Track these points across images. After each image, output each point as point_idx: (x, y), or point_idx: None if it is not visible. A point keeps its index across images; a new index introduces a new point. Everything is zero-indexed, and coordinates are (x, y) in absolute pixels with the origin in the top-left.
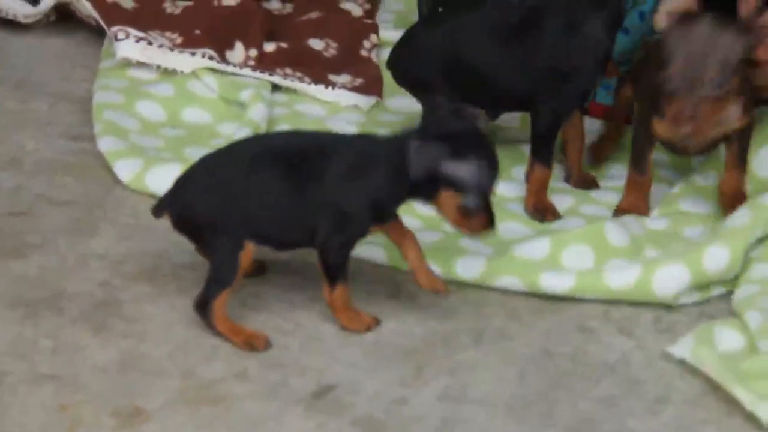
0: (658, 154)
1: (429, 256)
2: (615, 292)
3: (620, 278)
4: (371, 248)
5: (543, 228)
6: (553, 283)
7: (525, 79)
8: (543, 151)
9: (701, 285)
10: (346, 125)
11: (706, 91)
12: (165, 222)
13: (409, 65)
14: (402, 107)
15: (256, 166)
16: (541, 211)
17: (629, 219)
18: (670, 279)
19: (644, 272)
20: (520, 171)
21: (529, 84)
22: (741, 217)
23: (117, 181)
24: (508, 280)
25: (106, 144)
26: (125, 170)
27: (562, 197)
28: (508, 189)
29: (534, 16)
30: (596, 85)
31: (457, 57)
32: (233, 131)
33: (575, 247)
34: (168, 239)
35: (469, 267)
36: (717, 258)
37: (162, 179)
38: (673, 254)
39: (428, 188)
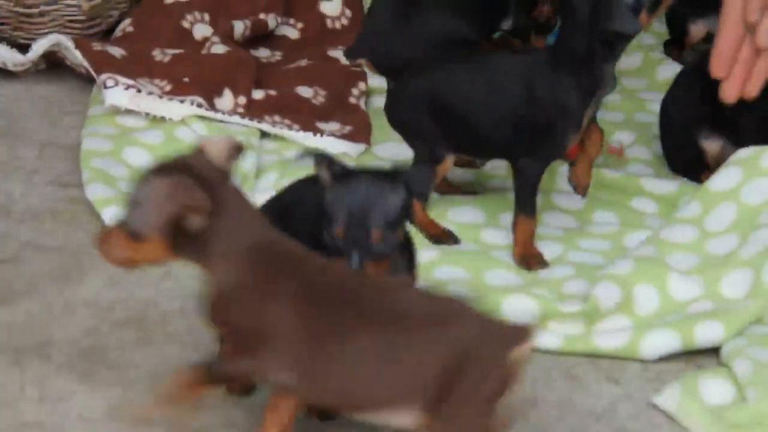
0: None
1: None
2: (602, 351)
3: (608, 341)
4: None
5: (532, 277)
6: (541, 341)
7: (503, 132)
8: (525, 202)
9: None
10: None
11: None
12: (155, 270)
13: (402, 110)
14: (391, 154)
15: None
16: (528, 260)
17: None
18: (658, 344)
19: (633, 337)
20: (507, 218)
21: (507, 137)
22: (745, 301)
23: None
24: None
25: (93, 191)
26: (113, 217)
27: (550, 245)
28: (497, 236)
29: (515, 70)
30: (571, 144)
31: (444, 105)
32: None
33: (564, 319)
34: (156, 286)
35: None
36: (710, 333)
37: None
38: (665, 322)
39: None
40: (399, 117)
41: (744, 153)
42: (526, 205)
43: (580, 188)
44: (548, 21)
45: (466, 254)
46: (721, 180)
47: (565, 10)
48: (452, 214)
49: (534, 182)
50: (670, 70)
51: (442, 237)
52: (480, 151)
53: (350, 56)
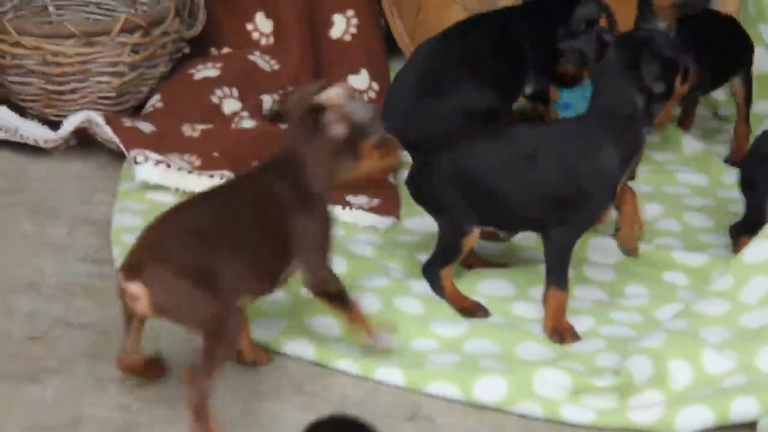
0: None
1: (447, 378)
2: (637, 426)
3: (643, 416)
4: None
5: (563, 350)
6: (573, 416)
7: (535, 203)
8: (557, 274)
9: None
10: (364, 246)
11: None
12: (183, 346)
13: (428, 184)
14: (419, 228)
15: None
16: (560, 333)
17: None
18: (692, 420)
19: (667, 411)
20: (537, 291)
21: (539, 209)
22: None
23: None
24: (528, 407)
25: None
26: None
27: (581, 318)
28: (527, 309)
29: (547, 142)
30: (606, 211)
31: (472, 179)
32: None
33: (597, 393)
34: (187, 363)
35: (488, 389)
36: (745, 408)
37: None
38: (699, 397)
39: None
40: (424, 191)
41: None
42: (557, 278)
43: (632, 251)
44: (572, 76)
45: (496, 327)
46: (756, 252)
47: (601, 73)
48: (482, 287)
49: (566, 254)
50: (694, 144)
51: (473, 310)
52: (509, 224)
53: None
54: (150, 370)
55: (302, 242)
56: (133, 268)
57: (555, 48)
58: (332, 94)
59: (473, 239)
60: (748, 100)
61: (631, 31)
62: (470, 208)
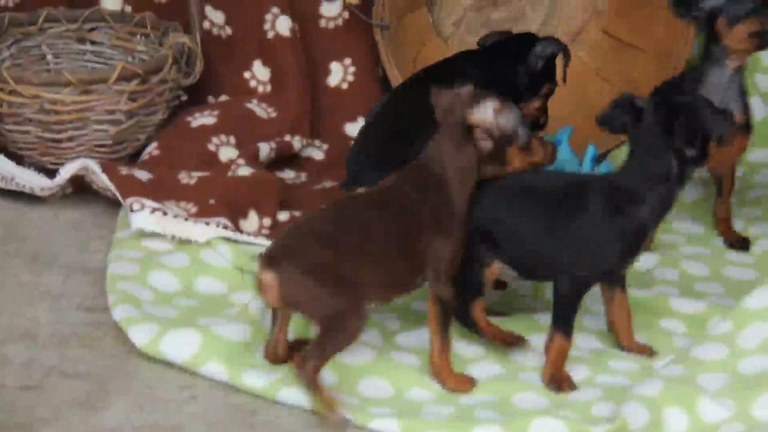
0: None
1: (443, 428)
2: None
3: None
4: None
5: (560, 399)
6: None
7: (555, 246)
8: (565, 320)
9: None
10: None
11: None
12: (179, 393)
13: None
14: None
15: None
16: (558, 381)
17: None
18: None
19: None
20: (534, 340)
21: (558, 252)
22: None
23: (131, 352)
24: None
25: (120, 312)
26: (139, 335)
27: (578, 367)
28: (524, 358)
29: (578, 190)
30: (629, 265)
31: (495, 218)
32: (247, 301)
33: None
34: (181, 410)
35: None
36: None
37: (177, 346)
38: None
39: None
40: None
41: None
42: (565, 324)
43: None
44: (538, 119)
45: (493, 377)
46: (757, 299)
47: (637, 137)
48: (479, 337)
49: (577, 302)
50: (689, 191)
51: (512, 341)
52: (524, 263)
53: (347, 189)
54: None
55: (434, 258)
56: (269, 260)
57: (516, 89)
58: (484, 115)
59: (495, 270)
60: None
61: (670, 93)
62: (488, 244)
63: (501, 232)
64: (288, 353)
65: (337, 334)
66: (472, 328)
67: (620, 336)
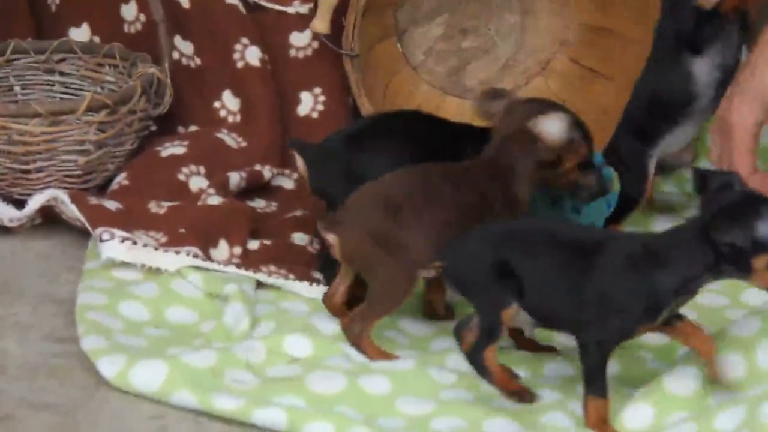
0: None
1: None
2: None
3: None
4: None
5: (531, 425)
6: None
7: (573, 302)
8: (596, 383)
9: None
10: (329, 323)
11: None
12: (149, 423)
13: (462, 267)
14: None
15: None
16: None
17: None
18: None
19: None
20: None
21: (576, 308)
22: None
23: (100, 383)
24: None
25: (89, 343)
26: (108, 367)
27: (550, 392)
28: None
29: (604, 246)
30: (648, 324)
31: (522, 260)
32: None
33: None
34: None
35: None
36: None
37: (145, 376)
38: None
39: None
40: (458, 273)
41: None
42: (598, 387)
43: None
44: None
45: (464, 404)
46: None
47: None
48: (450, 362)
49: (605, 362)
50: (663, 223)
51: (521, 394)
52: (549, 317)
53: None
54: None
55: None
56: (332, 222)
57: None
58: (548, 128)
59: (513, 311)
60: None
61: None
62: (507, 290)
63: (526, 276)
64: (343, 306)
65: (387, 297)
66: (481, 372)
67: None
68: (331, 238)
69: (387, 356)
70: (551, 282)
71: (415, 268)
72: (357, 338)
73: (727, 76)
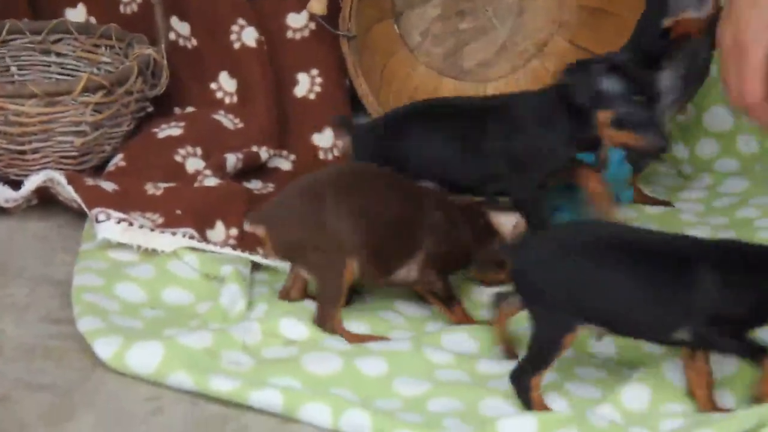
0: None
1: (412, 431)
2: None
3: None
4: None
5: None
6: None
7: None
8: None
9: None
10: None
11: None
12: (146, 405)
13: (530, 272)
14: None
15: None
16: None
17: (609, 407)
18: None
19: None
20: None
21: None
22: (735, 412)
23: (96, 364)
24: None
25: (85, 324)
26: (105, 348)
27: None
28: (491, 367)
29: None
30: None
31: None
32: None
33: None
34: (147, 423)
35: None
36: None
37: (141, 357)
38: None
39: None
40: (528, 280)
41: None
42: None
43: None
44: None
45: (460, 385)
46: None
47: None
48: (446, 343)
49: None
50: None
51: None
52: (623, 325)
53: None
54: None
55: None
56: (260, 217)
57: None
58: (504, 222)
59: (575, 337)
60: None
61: None
62: (578, 302)
63: (593, 293)
64: (301, 297)
65: (328, 285)
66: (527, 404)
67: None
68: (260, 231)
69: (372, 339)
70: (635, 293)
71: (343, 253)
72: (334, 332)
73: (692, 80)
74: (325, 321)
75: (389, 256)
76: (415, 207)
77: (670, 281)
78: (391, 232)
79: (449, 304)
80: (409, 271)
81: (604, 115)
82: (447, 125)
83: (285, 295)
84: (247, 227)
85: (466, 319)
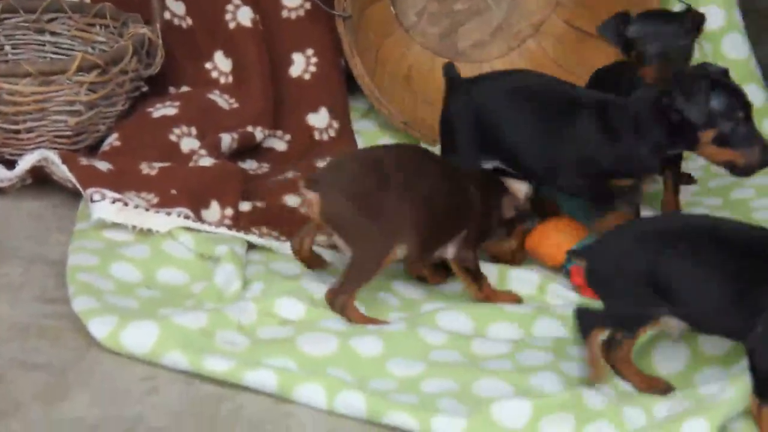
0: None
1: (406, 413)
2: None
3: None
4: None
5: (521, 386)
6: None
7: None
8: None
9: None
10: (321, 283)
11: None
12: (141, 384)
13: (607, 270)
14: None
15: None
16: None
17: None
18: None
19: None
20: (495, 328)
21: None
22: (723, 390)
23: (91, 343)
24: None
25: (80, 303)
26: (100, 328)
27: (538, 353)
28: (486, 347)
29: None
30: None
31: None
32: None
33: (555, 415)
34: (144, 402)
35: (447, 426)
36: (696, 429)
37: (136, 337)
38: (652, 426)
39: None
40: (602, 276)
41: None
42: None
43: None
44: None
45: (455, 366)
46: None
47: None
48: (441, 322)
49: None
50: None
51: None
52: (706, 322)
53: None
54: (314, 262)
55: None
56: (315, 181)
57: None
58: (519, 188)
59: (654, 327)
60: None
61: None
62: (656, 303)
63: (683, 285)
64: (310, 256)
65: (365, 266)
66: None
67: None
68: (312, 196)
69: (375, 322)
70: (714, 287)
71: (394, 238)
72: (342, 309)
73: None
74: (339, 297)
75: (437, 240)
76: (460, 190)
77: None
78: (442, 218)
79: (479, 278)
80: (445, 250)
81: (708, 135)
82: (537, 108)
83: (298, 255)
84: (302, 188)
85: (493, 294)
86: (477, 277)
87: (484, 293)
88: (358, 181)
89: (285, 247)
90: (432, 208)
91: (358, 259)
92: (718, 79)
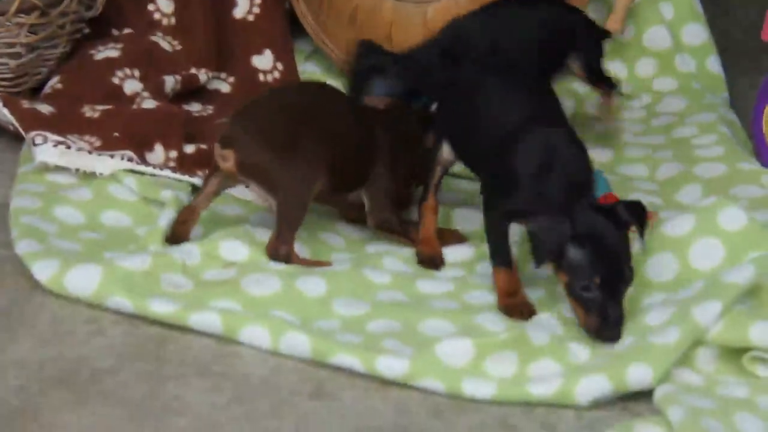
0: None
1: (350, 354)
2: (536, 398)
3: (542, 387)
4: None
5: (466, 326)
6: (475, 389)
7: None
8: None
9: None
10: (265, 227)
11: None
12: (85, 326)
13: None
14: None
15: None
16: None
17: (548, 316)
18: (591, 389)
19: (566, 382)
20: (448, 270)
21: None
22: (670, 332)
23: (35, 286)
24: (431, 383)
25: (23, 247)
26: (43, 271)
27: (489, 294)
28: (431, 286)
29: None
30: None
31: None
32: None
33: (499, 353)
34: (88, 344)
35: (391, 366)
36: (640, 375)
37: (80, 280)
38: (596, 366)
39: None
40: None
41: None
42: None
43: None
44: None
45: (399, 306)
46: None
47: None
48: (386, 263)
49: None
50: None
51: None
52: None
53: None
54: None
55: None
56: (229, 138)
57: None
58: None
59: None
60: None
61: None
62: None
63: None
64: (186, 230)
65: (293, 207)
66: None
67: None
68: (227, 152)
69: (320, 264)
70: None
71: (314, 175)
72: (287, 259)
73: None
74: (281, 246)
75: (351, 177)
76: (368, 129)
77: None
78: (352, 153)
79: (406, 232)
80: (361, 194)
81: (562, 277)
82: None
83: (189, 213)
84: (218, 150)
85: (431, 237)
86: (404, 232)
87: (421, 240)
88: (270, 129)
89: (229, 190)
90: (342, 144)
91: (283, 206)
92: (593, 234)
